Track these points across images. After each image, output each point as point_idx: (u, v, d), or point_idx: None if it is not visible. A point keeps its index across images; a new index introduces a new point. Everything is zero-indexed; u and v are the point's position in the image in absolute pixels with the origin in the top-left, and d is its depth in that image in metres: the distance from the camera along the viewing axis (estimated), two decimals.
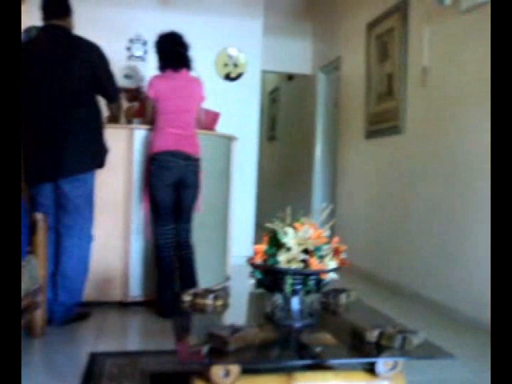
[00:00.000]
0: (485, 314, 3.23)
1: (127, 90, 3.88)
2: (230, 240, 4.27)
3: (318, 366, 1.85)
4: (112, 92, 3.19)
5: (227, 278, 4.19)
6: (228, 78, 5.53)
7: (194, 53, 3.47)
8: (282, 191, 7.65)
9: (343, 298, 2.14)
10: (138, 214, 3.50)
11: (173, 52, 3.36)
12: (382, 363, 1.66)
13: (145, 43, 5.20)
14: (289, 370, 1.70)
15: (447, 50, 3.77)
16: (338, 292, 2.16)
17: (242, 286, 2.85)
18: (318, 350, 1.77)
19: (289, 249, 1.76)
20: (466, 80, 3.54)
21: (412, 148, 4.18)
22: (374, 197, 4.83)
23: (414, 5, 4.21)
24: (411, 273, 4.13)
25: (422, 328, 3.18)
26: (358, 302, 2.19)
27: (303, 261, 1.76)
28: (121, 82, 4.01)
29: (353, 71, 5.39)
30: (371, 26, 4.93)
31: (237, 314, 2.23)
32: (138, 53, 5.20)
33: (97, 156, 3.12)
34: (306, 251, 1.77)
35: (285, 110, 7.85)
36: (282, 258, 1.76)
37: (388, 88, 4.57)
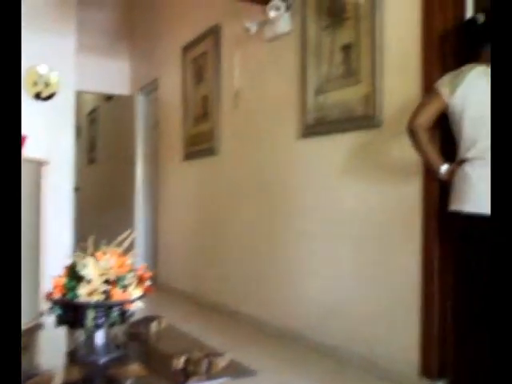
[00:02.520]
0: (295, 325, 3.42)
1: None
2: (43, 274, 3.96)
3: None
4: None
5: (40, 314, 3.87)
6: (38, 97, 5.18)
7: None
8: (104, 216, 7.36)
9: (154, 326, 2.09)
10: None
11: None
12: None
13: None
14: None
15: (255, 73, 3.98)
16: (148, 320, 2.11)
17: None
18: (126, 383, 1.69)
19: (89, 281, 1.66)
20: (272, 102, 3.76)
21: (227, 168, 4.31)
22: (195, 218, 4.87)
23: (225, 31, 4.37)
24: (230, 292, 4.22)
25: (239, 344, 3.30)
26: (170, 328, 2.16)
27: (105, 292, 1.68)
28: None
29: (170, 93, 5.42)
30: (186, 49, 5.01)
31: (40, 355, 2.05)
32: None
33: None
34: (108, 282, 1.70)
35: (105, 131, 7.59)
36: (83, 291, 1.66)
37: (204, 110, 4.67)
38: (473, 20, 2.36)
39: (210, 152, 4.53)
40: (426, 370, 2.57)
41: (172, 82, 5.34)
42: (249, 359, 2.78)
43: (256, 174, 3.93)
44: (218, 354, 1.69)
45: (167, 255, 5.42)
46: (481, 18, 2.32)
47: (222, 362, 1.66)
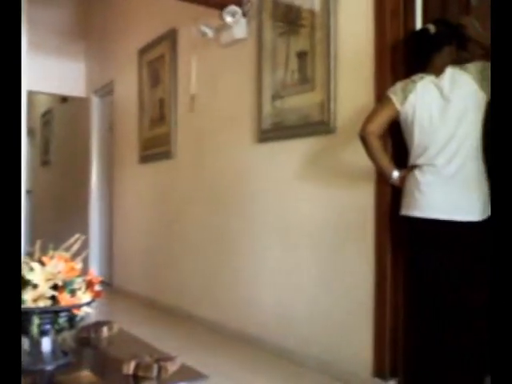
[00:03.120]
0: (252, 329, 3.43)
1: None
2: None
3: None
4: None
5: None
6: None
7: None
8: (58, 219, 7.20)
9: (105, 331, 2.05)
10: None
11: None
12: None
13: None
14: None
15: (212, 78, 3.97)
16: (99, 325, 2.07)
17: None
18: None
19: (35, 286, 1.62)
20: (228, 106, 3.77)
21: (183, 172, 4.29)
22: (150, 222, 4.82)
23: (182, 35, 4.35)
24: (187, 295, 4.20)
25: (194, 348, 3.28)
26: (121, 333, 2.12)
27: (52, 297, 1.64)
28: None
29: (126, 96, 5.35)
30: (143, 51, 4.96)
31: None
32: None
33: None
34: (55, 287, 1.66)
35: (59, 133, 7.43)
36: (28, 297, 1.61)
37: (160, 113, 4.63)
38: (425, 30, 2.43)
39: (165, 155, 4.49)
40: (378, 371, 2.62)
41: (128, 84, 5.28)
42: (204, 363, 2.77)
43: (212, 177, 3.93)
44: (169, 359, 1.67)
45: (123, 258, 5.34)
46: (432, 28, 2.39)
47: (172, 367, 1.65)
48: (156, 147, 4.67)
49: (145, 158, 4.89)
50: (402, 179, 2.40)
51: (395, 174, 2.42)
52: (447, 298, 2.32)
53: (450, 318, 2.31)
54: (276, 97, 3.32)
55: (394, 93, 2.40)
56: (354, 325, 2.76)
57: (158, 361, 1.65)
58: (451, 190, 2.28)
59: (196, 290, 4.08)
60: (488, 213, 2.33)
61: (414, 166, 2.37)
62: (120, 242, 5.43)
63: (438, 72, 2.36)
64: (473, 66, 2.33)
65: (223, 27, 3.69)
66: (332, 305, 2.89)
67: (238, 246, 3.63)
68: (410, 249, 2.46)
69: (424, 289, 2.38)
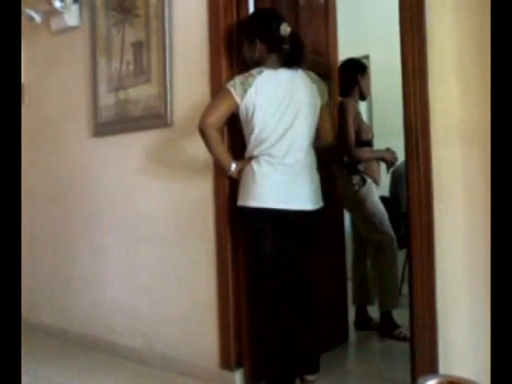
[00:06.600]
0: (97, 331, 3.27)
1: None
2: None
3: None
4: None
5: None
6: None
7: None
8: None
9: None
10: None
11: None
12: None
13: None
14: None
15: (44, 67, 3.70)
16: None
17: None
18: None
19: None
20: (63, 98, 3.53)
21: None
22: None
23: None
24: (23, 300, 3.86)
25: (30, 358, 3.04)
26: None
27: None
28: None
29: None
30: None
31: None
32: None
33: None
34: None
35: None
36: None
37: None
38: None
39: None
40: (225, 363, 2.64)
41: None
42: (40, 375, 2.59)
43: (48, 175, 3.66)
44: None
45: None
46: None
47: None
48: None
49: None
50: (240, 171, 2.42)
51: (233, 165, 2.43)
52: (282, 285, 2.40)
53: (286, 301, 2.40)
54: (119, 88, 3.16)
55: (234, 86, 2.39)
56: (199, 320, 2.75)
57: None
58: (286, 181, 2.35)
59: (34, 293, 3.78)
60: (320, 203, 2.45)
61: (251, 158, 2.40)
62: None
63: (276, 66, 2.42)
64: (311, 73, 2.47)
65: (53, 13, 3.44)
66: (177, 301, 2.85)
67: (78, 246, 3.43)
68: (248, 239, 2.50)
69: (262, 276, 2.43)
